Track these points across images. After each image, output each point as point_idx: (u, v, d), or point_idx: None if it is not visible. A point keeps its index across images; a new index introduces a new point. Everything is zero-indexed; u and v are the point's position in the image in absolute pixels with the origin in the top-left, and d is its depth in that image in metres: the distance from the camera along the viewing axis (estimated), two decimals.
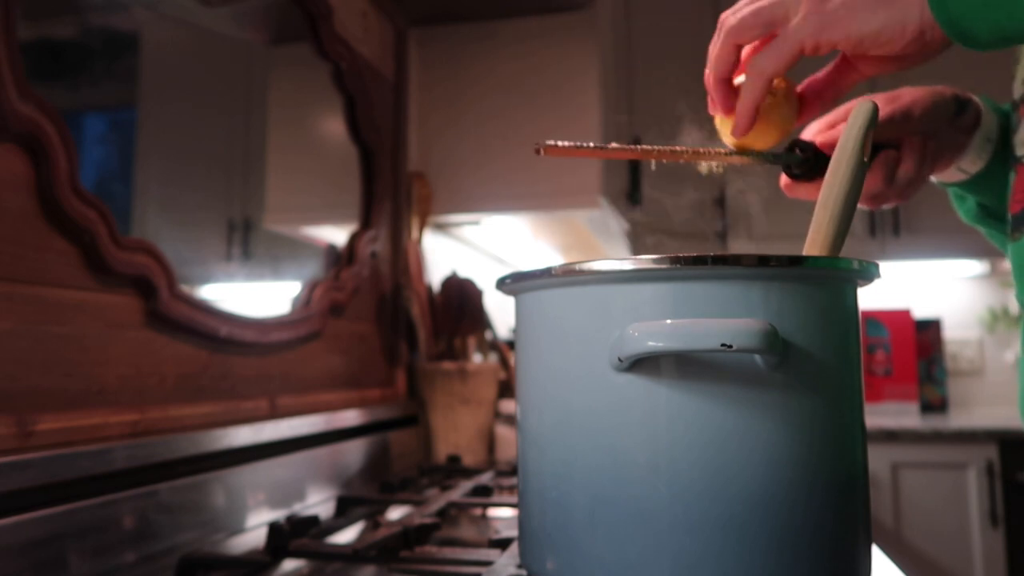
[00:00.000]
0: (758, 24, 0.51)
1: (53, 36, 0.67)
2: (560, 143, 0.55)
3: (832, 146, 0.60)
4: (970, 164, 0.65)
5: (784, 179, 0.63)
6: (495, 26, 1.39)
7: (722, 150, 0.58)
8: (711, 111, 0.57)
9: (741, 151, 0.58)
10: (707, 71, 0.55)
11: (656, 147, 0.57)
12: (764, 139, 0.56)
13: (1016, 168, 0.58)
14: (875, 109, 0.51)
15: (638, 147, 0.57)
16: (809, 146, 0.61)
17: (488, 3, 1.34)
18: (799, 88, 0.58)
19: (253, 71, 1.02)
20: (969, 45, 0.46)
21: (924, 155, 0.61)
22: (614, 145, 0.57)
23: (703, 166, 0.59)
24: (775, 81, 0.55)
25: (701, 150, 0.58)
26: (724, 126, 0.57)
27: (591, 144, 0.56)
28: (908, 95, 0.62)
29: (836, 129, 0.61)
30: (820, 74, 0.57)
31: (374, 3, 1.22)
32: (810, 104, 0.57)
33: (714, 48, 0.54)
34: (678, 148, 0.57)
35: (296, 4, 1.00)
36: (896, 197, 0.62)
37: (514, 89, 1.38)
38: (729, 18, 0.53)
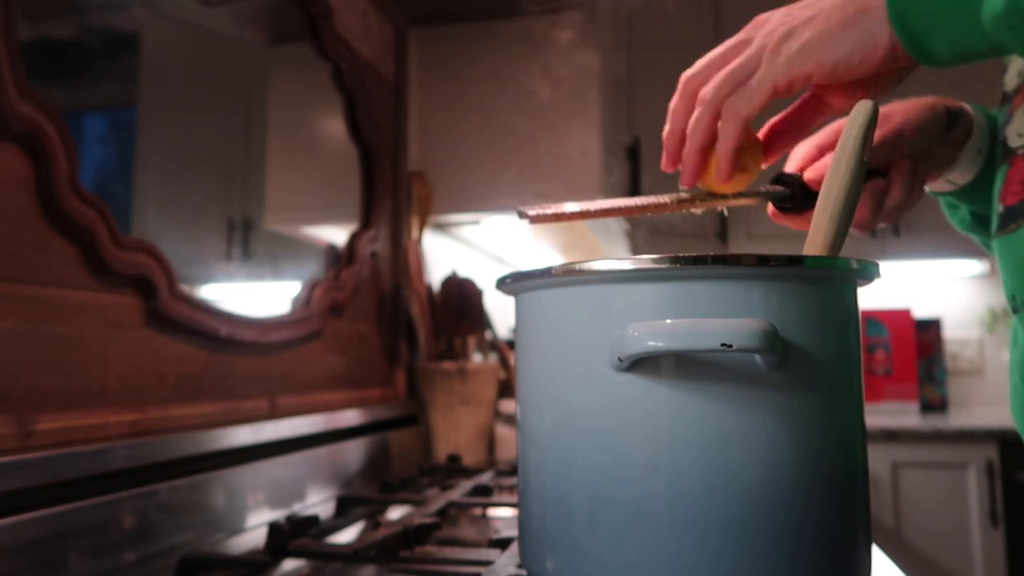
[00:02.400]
0: (735, 86, 0.51)
1: (53, 36, 0.67)
2: (543, 211, 0.54)
3: (819, 182, 0.59)
4: (959, 176, 0.65)
5: (771, 208, 0.62)
6: (495, 26, 1.39)
7: (707, 195, 0.58)
8: (665, 168, 0.57)
9: (723, 195, 0.57)
10: (671, 133, 0.55)
11: (640, 201, 0.57)
12: (733, 185, 0.56)
13: (1010, 160, 0.58)
14: (875, 108, 0.51)
15: (622, 204, 0.56)
16: (795, 180, 0.60)
17: (488, 3, 1.34)
18: (762, 135, 0.57)
19: (253, 71, 1.02)
20: (929, 63, 0.47)
21: (913, 180, 0.60)
22: (598, 206, 0.56)
23: (698, 210, 0.59)
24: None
25: (686, 197, 0.57)
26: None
27: (575, 209, 0.55)
28: (899, 115, 0.61)
29: (823, 162, 0.60)
30: (782, 115, 0.57)
31: (374, 3, 1.22)
32: (775, 144, 0.57)
33: (680, 111, 0.54)
34: (664, 200, 0.57)
35: (296, 4, 1.00)
36: (885, 219, 0.62)
37: (514, 89, 1.38)
38: (701, 87, 0.53)
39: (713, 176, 0.55)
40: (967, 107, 0.64)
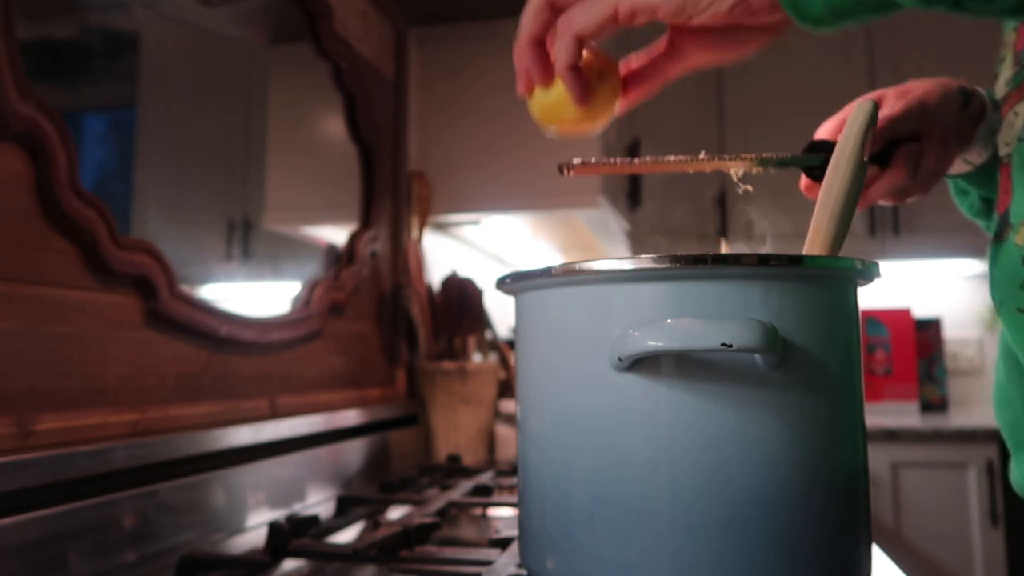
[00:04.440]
0: None
1: (53, 36, 0.67)
2: (587, 160, 0.54)
3: None
4: (976, 155, 0.65)
5: (804, 181, 0.63)
6: (495, 26, 1.39)
7: (739, 157, 0.58)
8: (520, 91, 0.53)
9: (724, 163, 0.58)
10: (516, 42, 0.51)
11: (676, 158, 0.57)
12: (584, 119, 0.52)
13: (1000, 168, 0.59)
14: (875, 108, 0.51)
15: (661, 159, 0.57)
16: (828, 145, 0.61)
17: (488, 3, 1.34)
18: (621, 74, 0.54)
19: (253, 71, 1.02)
20: (803, 19, 0.44)
21: (945, 146, 0.61)
22: (638, 160, 0.57)
23: (735, 170, 0.59)
24: (589, 55, 0.50)
25: (717, 158, 0.58)
26: (537, 103, 0.53)
27: (617, 160, 0.56)
28: (918, 88, 0.62)
29: None
30: (639, 58, 0.54)
31: (374, 3, 1.22)
32: (631, 88, 0.53)
33: (526, 12, 0.50)
34: (700, 156, 0.57)
35: (296, 4, 1.00)
36: (919, 190, 0.62)
37: (514, 89, 1.37)
38: None
39: (561, 108, 0.51)
40: (979, 89, 0.65)
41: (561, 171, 0.55)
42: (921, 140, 0.61)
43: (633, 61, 0.54)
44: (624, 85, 0.53)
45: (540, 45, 0.50)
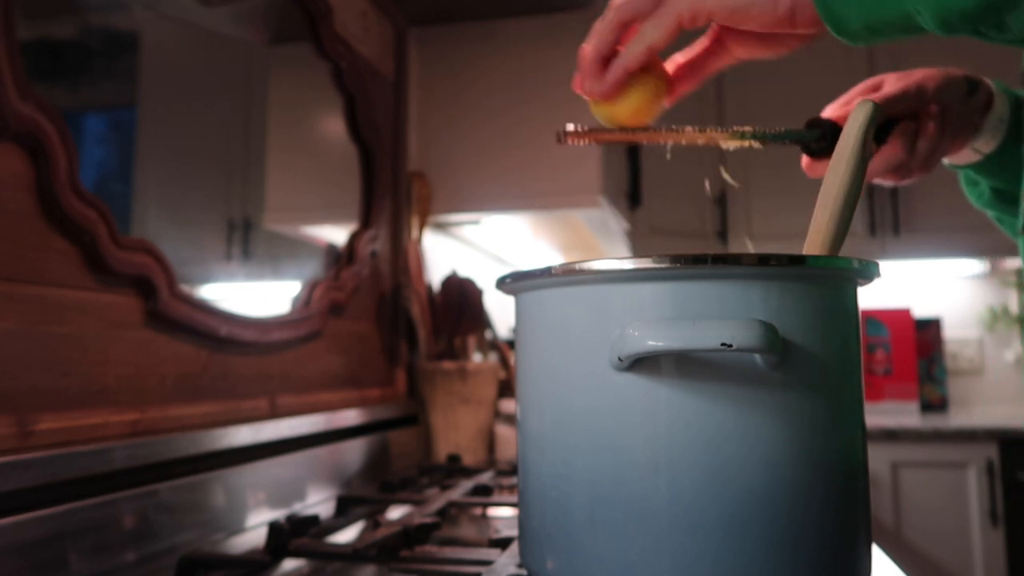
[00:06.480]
0: (647, 2, 0.51)
1: (53, 36, 0.67)
2: (581, 127, 0.55)
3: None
4: (984, 144, 0.66)
5: (805, 160, 0.63)
6: (495, 26, 1.39)
7: (733, 130, 0.58)
8: (576, 88, 0.57)
9: (717, 135, 0.58)
10: (585, 46, 0.55)
11: (674, 129, 0.57)
12: (635, 114, 0.56)
13: None
14: (875, 108, 0.51)
15: (661, 130, 0.57)
16: (825, 122, 0.62)
17: (488, 3, 1.34)
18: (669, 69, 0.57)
19: (253, 71, 1.02)
20: (840, 33, 0.47)
21: (944, 124, 0.62)
22: (631, 130, 0.57)
23: (730, 145, 0.59)
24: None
25: (719, 131, 0.58)
26: (598, 108, 0.57)
27: (612, 129, 0.57)
28: (920, 72, 0.63)
29: (852, 105, 0.61)
30: (687, 53, 0.57)
31: (374, 3, 1.22)
32: (677, 84, 0.57)
33: (599, 24, 0.54)
34: (695, 130, 0.57)
35: (296, 4, 1.00)
36: (919, 169, 0.63)
37: (514, 89, 1.38)
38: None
39: (620, 108, 0.55)
40: (986, 79, 0.65)
41: (558, 138, 0.56)
42: (919, 119, 0.62)
43: (679, 57, 0.57)
44: (671, 81, 0.56)
45: (605, 62, 0.53)
